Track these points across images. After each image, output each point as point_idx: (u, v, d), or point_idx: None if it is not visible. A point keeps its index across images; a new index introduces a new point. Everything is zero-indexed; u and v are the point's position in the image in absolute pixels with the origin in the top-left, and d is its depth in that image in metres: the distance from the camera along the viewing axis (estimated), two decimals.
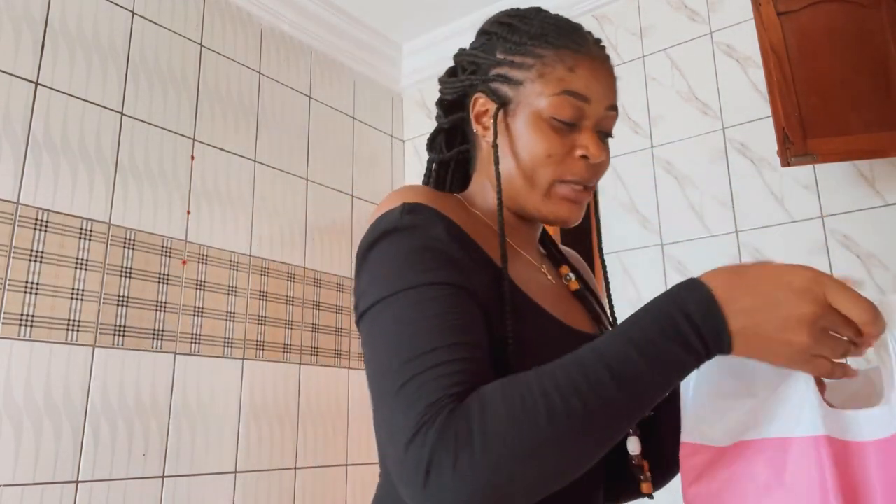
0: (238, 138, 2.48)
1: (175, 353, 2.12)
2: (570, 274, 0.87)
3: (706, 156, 2.37)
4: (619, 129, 2.58)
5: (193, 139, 2.33)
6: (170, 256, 2.16)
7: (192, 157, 2.31)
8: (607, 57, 0.80)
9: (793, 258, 2.19)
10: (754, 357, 0.56)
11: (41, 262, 1.85)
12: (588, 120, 0.76)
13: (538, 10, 0.81)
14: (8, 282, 1.78)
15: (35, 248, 1.85)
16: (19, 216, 1.84)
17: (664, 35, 2.55)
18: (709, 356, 0.56)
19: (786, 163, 1.82)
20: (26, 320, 1.80)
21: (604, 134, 0.79)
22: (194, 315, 2.19)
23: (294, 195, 2.64)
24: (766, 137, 2.16)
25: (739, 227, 2.25)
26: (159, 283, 2.12)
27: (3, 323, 1.76)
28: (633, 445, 0.75)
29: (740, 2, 2.32)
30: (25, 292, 1.81)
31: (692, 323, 0.55)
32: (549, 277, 0.84)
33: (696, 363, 0.56)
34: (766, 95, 1.97)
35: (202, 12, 2.46)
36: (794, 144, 1.80)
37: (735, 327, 0.54)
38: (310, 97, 2.82)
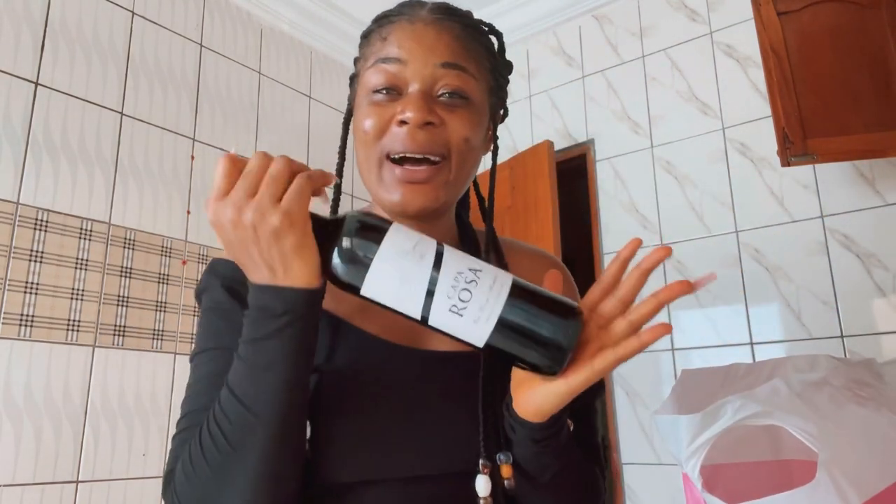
0: (238, 138, 2.48)
1: (175, 353, 2.12)
2: None
3: (706, 156, 2.37)
4: (619, 129, 2.58)
5: (193, 139, 2.33)
6: (170, 256, 2.16)
7: (192, 157, 2.31)
8: (442, 18, 0.69)
9: (793, 258, 2.20)
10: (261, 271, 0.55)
11: (41, 262, 1.85)
12: (412, 83, 0.66)
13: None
14: (8, 282, 1.78)
15: (35, 248, 1.85)
16: (19, 216, 1.84)
17: (664, 35, 2.55)
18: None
19: (786, 163, 1.82)
20: (26, 320, 1.80)
21: (453, 94, 0.67)
22: (194, 315, 2.19)
23: None
24: (766, 137, 2.16)
25: (739, 227, 2.26)
26: (159, 283, 2.12)
27: (3, 323, 1.76)
28: (482, 485, 0.62)
29: (740, 2, 2.32)
30: (25, 292, 1.81)
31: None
32: None
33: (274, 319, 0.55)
34: (766, 95, 1.97)
35: (202, 12, 2.46)
36: (794, 144, 1.80)
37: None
38: (310, 97, 2.82)
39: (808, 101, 1.83)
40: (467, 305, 0.51)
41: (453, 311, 0.51)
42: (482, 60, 0.71)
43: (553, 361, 0.52)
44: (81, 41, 2.07)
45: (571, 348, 0.52)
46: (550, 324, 0.52)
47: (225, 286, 0.66)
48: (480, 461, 0.63)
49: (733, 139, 2.33)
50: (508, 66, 0.78)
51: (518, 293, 0.52)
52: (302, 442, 0.58)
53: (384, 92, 0.67)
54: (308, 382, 0.58)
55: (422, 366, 0.67)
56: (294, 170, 0.53)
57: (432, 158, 0.66)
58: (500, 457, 0.63)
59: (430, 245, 0.53)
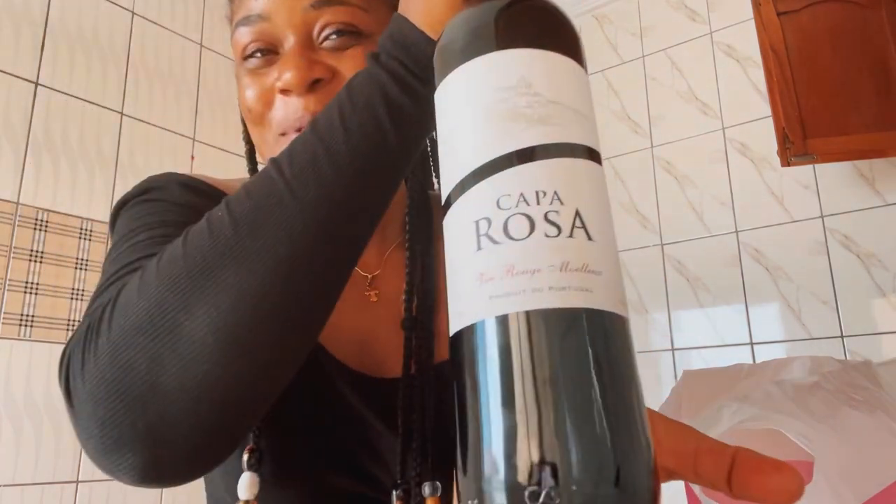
0: (238, 138, 2.48)
1: None
2: (405, 296, 0.59)
3: (706, 156, 2.37)
4: (619, 129, 2.58)
5: (193, 139, 2.33)
6: None
7: (192, 157, 2.31)
8: None
9: (793, 258, 2.20)
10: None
11: (41, 262, 1.85)
12: (288, 38, 0.52)
13: None
14: (8, 282, 1.78)
15: (35, 248, 1.85)
16: (19, 216, 1.84)
17: (664, 35, 2.55)
18: (398, 58, 0.39)
19: (786, 163, 1.82)
20: (26, 320, 1.80)
21: (341, 33, 0.52)
22: None
23: None
24: (766, 137, 2.16)
25: (739, 227, 2.26)
26: None
27: (3, 323, 1.76)
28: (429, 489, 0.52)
29: (740, 2, 2.32)
30: (25, 292, 1.81)
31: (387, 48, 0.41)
32: (372, 294, 0.61)
33: (389, 78, 0.38)
34: (766, 95, 1.97)
35: (202, 12, 2.46)
36: (794, 144, 1.80)
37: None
38: None
39: (808, 101, 1.83)
40: (500, 244, 0.24)
41: (477, 231, 0.25)
42: None
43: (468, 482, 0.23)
44: (81, 41, 2.07)
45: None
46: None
47: (182, 183, 0.53)
48: (394, 491, 0.52)
49: (733, 139, 2.32)
50: None
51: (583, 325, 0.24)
52: (378, 210, 0.39)
53: (258, 55, 0.54)
54: (403, 161, 0.39)
55: (370, 392, 0.57)
56: None
57: None
58: (426, 487, 0.52)
59: (594, 134, 0.29)
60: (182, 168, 2.26)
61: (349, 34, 0.52)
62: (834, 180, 2.11)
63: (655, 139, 2.50)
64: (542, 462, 0.21)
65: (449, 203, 0.27)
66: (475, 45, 0.28)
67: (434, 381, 0.55)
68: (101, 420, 0.34)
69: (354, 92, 0.38)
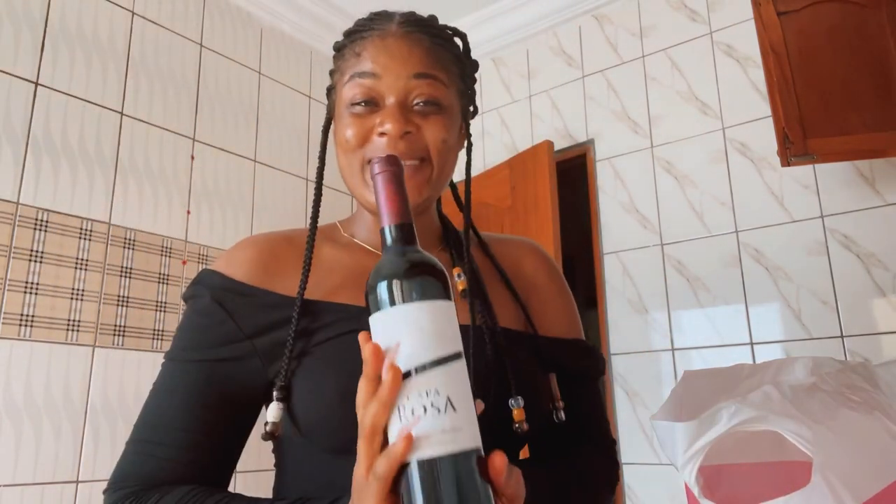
0: (238, 138, 2.48)
1: None
2: (459, 275, 0.79)
3: (706, 156, 2.37)
4: (619, 128, 2.58)
5: (193, 139, 2.33)
6: (170, 256, 2.16)
7: (192, 157, 2.31)
8: (410, 31, 0.75)
9: (793, 258, 2.19)
10: None
11: (41, 262, 1.85)
12: (388, 96, 0.72)
13: (370, 13, 0.79)
14: (8, 282, 1.78)
15: (35, 248, 1.85)
16: (19, 216, 1.84)
17: (664, 35, 2.55)
18: None
19: (786, 163, 1.82)
20: (26, 320, 1.80)
21: (427, 103, 0.73)
22: None
23: (294, 195, 2.64)
24: (766, 137, 2.16)
25: (739, 227, 2.25)
26: (159, 283, 2.12)
27: (3, 323, 1.76)
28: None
29: (740, 2, 2.32)
30: (25, 292, 1.81)
31: None
32: None
33: None
34: (766, 95, 1.97)
35: (202, 12, 2.46)
36: (794, 144, 1.80)
37: None
38: (309, 97, 2.82)
39: (808, 101, 1.83)
40: (407, 420, 0.47)
41: (399, 412, 0.47)
42: (451, 67, 0.77)
43: None
44: (81, 41, 2.07)
45: None
46: None
47: (214, 297, 0.71)
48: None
49: (733, 139, 2.32)
50: (475, 66, 0.84)
51: (462, 466, 0.47)
52: None
53: (362, 104, 0.73)
54: None
55: None
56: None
57: (410, 164, 0.71)
58: (512, 402, 0.68)
59: (452, 346, 0.49)
60: (182, 168, 2.26)
61: (433, 104, 0.73)
62: (834, 180, 2.10)
63: (655, 139, 2.50)
64: None
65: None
66: (414, 293, 0.49)
67: (500, 331, 0.75)
68: None
69: None
